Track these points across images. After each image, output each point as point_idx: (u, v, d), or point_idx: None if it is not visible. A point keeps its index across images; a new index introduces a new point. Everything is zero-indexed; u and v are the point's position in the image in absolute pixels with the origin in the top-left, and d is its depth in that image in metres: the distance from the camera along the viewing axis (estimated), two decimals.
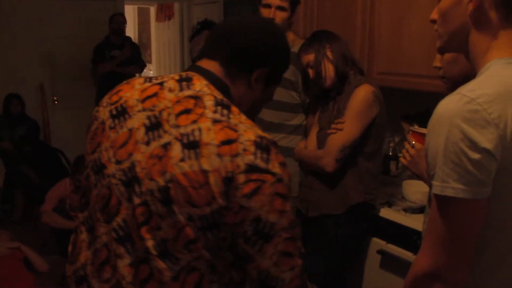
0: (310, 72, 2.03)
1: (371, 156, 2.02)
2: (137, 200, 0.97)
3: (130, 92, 1.06)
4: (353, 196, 2.00)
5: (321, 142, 2.04)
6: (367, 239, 2.13)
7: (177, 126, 0.97)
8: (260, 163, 0.94)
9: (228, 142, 0.93)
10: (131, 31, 6.06)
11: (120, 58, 4.64)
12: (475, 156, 0.87)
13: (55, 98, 4.95)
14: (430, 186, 0.96)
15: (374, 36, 2.35)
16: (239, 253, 0.99)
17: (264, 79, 1.10)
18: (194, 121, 0.96)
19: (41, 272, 2.80)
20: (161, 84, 1.04)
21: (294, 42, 2.34)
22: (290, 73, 2.29)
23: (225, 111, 0.98)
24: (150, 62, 6.53)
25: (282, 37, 1.14)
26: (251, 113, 1.12)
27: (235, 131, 0.95)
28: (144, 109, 1.02)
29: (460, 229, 0.91)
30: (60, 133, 4.90)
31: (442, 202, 0.92)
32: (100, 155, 1.04)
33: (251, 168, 0.93)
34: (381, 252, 2.07)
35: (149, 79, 1.09)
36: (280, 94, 2.30)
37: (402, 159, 1.56)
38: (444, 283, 0.93)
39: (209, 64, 1.07)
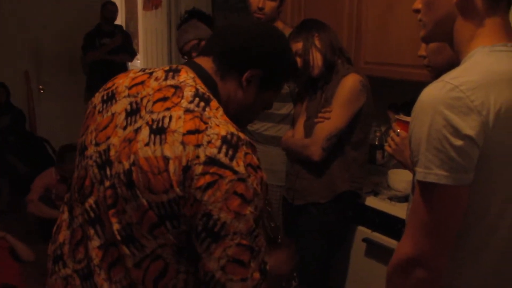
0: (298, 60, 2.03)
1: (357, 145, 2.03)
2: (107, 183, 0.98)
3: (123, 79, 1.08)
4: (340, 184, 2.01)
5: (308, 131, 2.04)
6: (352, 227, 2.15)
7: (151, 112, 0.97)
8: (222, 157, 0.91)
9: (194, 132, 0.92)
10: (118, 19, 6.00)
11: (110, 46, 4.61)
12: (458, 142, 0.88)
13: (40, 86, 4.89)
14: (414, 173, 0.97)
15: (361, 25, 2.35)
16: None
17: (258, 82, 1.07)
18: (168, 109, 0.96)
19: (27, 261, 2.78)
20: (150, 73, 1.05)
21: (283, 31, 2.33)
22: None
23: (202, 103, 0.96)
24: (137, 51, 6.46)
25: (282, 42, 1.11)
26: (243, 118, 1.11)
27: (205, 123, 0.93)
28: (128, 95, 1.03)
29: (442, 215, 0.93)
30: (46, 122, 4.85)
31: (425, 189, 0.93)
32: (86, 138, 1.06)
33: (211, 161, 0.90)
34: (366, 240, 2.09)
35: (145, 69, 1.10)
36: None
37: (387, 147, 1.57)
38: (426, 268, 0.94)
39: (202, 60, 1.07)
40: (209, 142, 0.91)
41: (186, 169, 0.90)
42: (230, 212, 0.91)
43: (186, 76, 1.02)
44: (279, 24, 2.39)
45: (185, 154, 0.90)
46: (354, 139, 2.01)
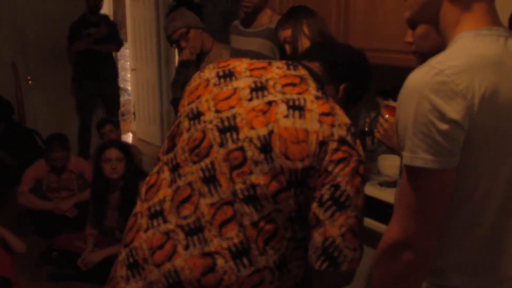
0: (287, 47, 2.03)
1: None
2: (232, 146, 1.07)
3: (239, 62, 1.19)
4: None
5: None
6: None
7: (283, 93, 1.09)
8: (350, 140, 1.06)
9: (328, 114, 1.06)
10: (106, 8, 5.92)
11: (95, 36, 4.54)
12: (443, 126, 0.89)
13: (29, 77, 4.84)
14: (401, 157, 0.98)
15: (350, 11, 2.35)
16: (308, 220, 1.06)
17: (348, 93, 1.25)
18: (299, 93, 1.09)
19: (18, 253, 2.77)
20: (269, 62, 1.19)
21: (272, 18, 2.33)
22: (268, 49, 2.28)
23: (324, 95, 1.12)
24: (126, 40, 6.41)
25: (369, 64, 1.35)
26: None
27: (333, 109, 1.09)
28: (251, 76, 1.14)
29: (429, 198, 0.94)
30: (35, 113, 4.80)
31: (412, 173, 0.94)
32: (198, 105, 1.15)
33: (343, 141, 1.05)
34: None
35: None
36: None
37: (376, 133, 1.58)
38: (414, 251, 0.95)
39: (311, 64, 1.21)
40: (339, 125, 1.06)
41: (323, 143, 1.03)
42: (354, 187, 1.04)
43: (305, 72, 1.15)
44: (268, 12, 2.39)
45: (322, 130, 1.04)
46: None
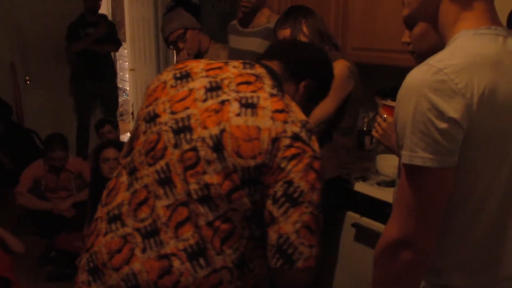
0: None
1: (346, 131, 2.04)
2: (185, 146, 1.07)
3: (196, 63, 1.20)
4: (328, 170, 2.02)
5: None
6: (342, 213, 2.17)
7: (237, 91, 1.10)
8: (304, 136, 1.05)
9: (281, 111, 1.06)
10: (104, 8, 5.91)
11: (94, 36, 4.53)
12: (442, 125, 0.89)
13: (27, 78, 4.83)
14: (400, 157, 0.98)
15: (348, 11, 2.35)
16: (264, 218, 1.06)
17: (310, 91, 1.24)
18: (254, 91, 1.09)
19: (17, 253, 2.77)
20: (226, 62, 1.19)
21: (270, 17, 2.33)
22: None
23: (280, 92, 1.12)
24: (124, 40, 6.40)
25: (331, 64, 1.33)
26: None
27: (288, 106, 1.09)
28: (207, 76, 1.15)
29: (428, 197, 0.94)
30: (34, 114, 4.80)
31: (411, 172, 0.94)
32: (155, 107, 1.15)
33: (296, 137, 1.05)
34: (355, 225, 2.11)
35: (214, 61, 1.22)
36: None
37: (374, 133, 1.58)
38: (413, 250, 0.95)
39: (269, 62, 1.21)
40: (293, 121, 1.06)
41: (275, 140, 1.03)
42: (308, 183, 1.03)
43: (261, 70, 1.16)
44: (266, 11, 2.38)
45: (274, 127, 1.04)
46: (342, 125, 2.02)
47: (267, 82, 1.13)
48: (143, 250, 1.07)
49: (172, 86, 1.16)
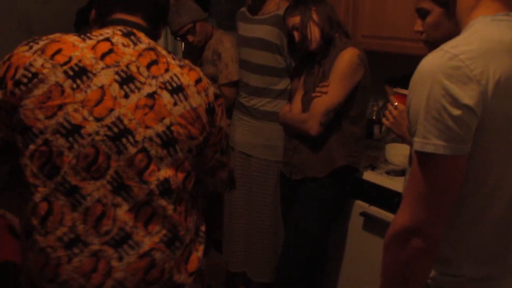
0: (296, 35, 2.01)
1: (355, 119, 2.02)
2: (133, 149, 1.04)
3: (78, 50, 1.04)
4: (337, 159, 2.01)
5: (306, 105, 2.04)
6: (350, 201, 2.17)
7: (154, 77, 1.07)
8: (215, 89, 1.18)
9: (198, 80, 1.13)
10: None
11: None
12: (456, 112, 0.88)
13: None
14: (411, 144, 0.97)
15: None
16: (212, 167, 1.25)
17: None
18: (167, 70, 1.09)
19: None
20: (107, 39, 1.07)
21: (279, 4, 2.31)
22: (275, 36, 2.26)
23: (175, 56, 1.14)
24: None
25: None
26: None
27: (194, 69, 1.14)
28: (107, 66, 1.04)
29: (440, 185, 0.93)
30: None
31: (423, 159, 0.93)
32: (67, 117, 1.01)
33: (217, 96, 1.18)
34: (364, 214, 2.11)
35: (83, 36, 1.08)
36: (266, 58, 2.28)
37: (385, 120, 1.57)
38: (423, 237, 0.95)
39: (134, 18, 1.14)
40: (207, 83, 1.16)
41: (209, 110, 1.14)
42: (226, 125, 1.23)
43: (144, 37, 1.12)
44: None
45: (203, 100, 1.12)
46: (351, 113, 2.00)
47: (162, 51, 1.11)
48: (120, 259, 1.07)
49: (74, 88, 1.01)
